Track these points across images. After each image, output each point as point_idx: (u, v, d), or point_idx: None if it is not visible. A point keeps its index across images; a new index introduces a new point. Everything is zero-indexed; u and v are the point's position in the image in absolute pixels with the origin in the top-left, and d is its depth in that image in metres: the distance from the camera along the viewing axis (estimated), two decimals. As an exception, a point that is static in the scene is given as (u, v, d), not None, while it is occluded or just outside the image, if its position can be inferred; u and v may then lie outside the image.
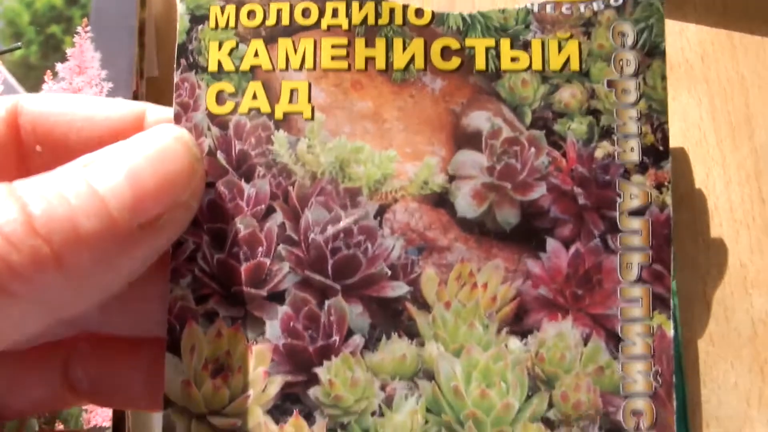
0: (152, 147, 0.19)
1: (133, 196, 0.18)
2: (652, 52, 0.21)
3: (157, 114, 0.21)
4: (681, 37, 0.41)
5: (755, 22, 0.41)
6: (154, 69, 0.37)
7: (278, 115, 0.21)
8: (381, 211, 0.21)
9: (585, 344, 0.21)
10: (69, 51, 0.36)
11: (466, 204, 0.21)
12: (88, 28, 0.36)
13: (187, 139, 0.20)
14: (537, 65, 0.21)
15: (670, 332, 0.21)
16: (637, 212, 0.21)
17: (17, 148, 0.20)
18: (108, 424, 0.31)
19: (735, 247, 0.38)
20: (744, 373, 0.37)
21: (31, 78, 0.35)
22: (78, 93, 0.35)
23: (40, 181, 0.18)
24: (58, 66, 0.35)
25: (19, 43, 0.35)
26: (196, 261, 0.21)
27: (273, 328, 0.20)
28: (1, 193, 0.17)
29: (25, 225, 0.16)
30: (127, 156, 0.19)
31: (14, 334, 0.18)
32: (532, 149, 0.21)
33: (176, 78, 0.21)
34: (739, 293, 0.38)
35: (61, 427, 0.31)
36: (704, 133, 0.40)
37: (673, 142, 0.40)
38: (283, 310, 0.20)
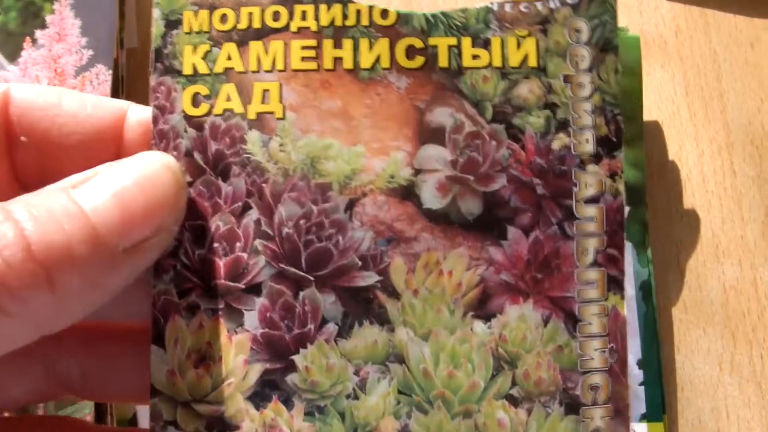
0: (141, 174, 0.20)
1: (121, 223, 0.19)
2: (606, 47, 0.22)
3: (138, 114, 0.22)
4: (655, 13, 0.42)
5: (727, 0, 0.42)
6: (134, 40, 0.37)
7: (251, 115, 0.22)
8: (351, 205, 0.22)
9: (545, 325, 0.22)
10: (48, 18, 0.35)
11: (431, 196, 0.22)
12: (68, -6, 0.36)
13: (175, 167, 0.21)
14: (497, 62, 0.22)
15: (623, 311, 0.22)
16: (592, 200, 0.22)
17: (7, 136, 0.21)
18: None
19: (707, 217, 0.39)
20: (716, 338, 0.38)
21: (9, 45, 0.35)
22: (58, 60, 0.35)
23: (35, 203, 0.19)
24: (38, 33, 0.35)
25: None
26: (178, 257, 0.22)
27: (251, 318, 0.22)
28: None
29: (24, 251, 0.17)
30: (117, 182, 0.19)
31: (1, 350, 0.19)
32: (493, 142, 0.22)
33: (152, 81, 0.22)
34: (711, 262, 0.39)
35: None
36: (677, 107, 0.41)
37: (648, 116, 0.41)
38: (260, 301, 0.22)
